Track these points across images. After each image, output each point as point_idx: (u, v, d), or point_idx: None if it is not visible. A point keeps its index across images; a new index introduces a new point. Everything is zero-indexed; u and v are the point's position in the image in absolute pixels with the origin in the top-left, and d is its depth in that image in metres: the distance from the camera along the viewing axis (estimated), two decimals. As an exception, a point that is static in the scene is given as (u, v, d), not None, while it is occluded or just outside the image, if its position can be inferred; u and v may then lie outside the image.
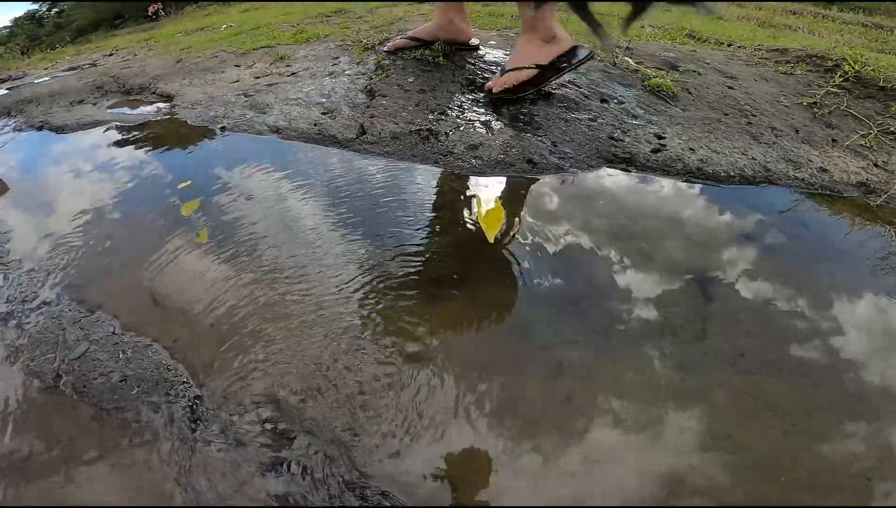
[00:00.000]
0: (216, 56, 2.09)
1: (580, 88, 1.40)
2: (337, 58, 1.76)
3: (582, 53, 1.28)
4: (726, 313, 0.82)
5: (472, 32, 1.60)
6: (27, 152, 1.55)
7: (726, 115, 1.35)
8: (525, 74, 1.28)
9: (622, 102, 1.36)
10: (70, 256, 0.99)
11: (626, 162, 1.15)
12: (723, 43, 2.10)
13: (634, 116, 1.30)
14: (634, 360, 0.74)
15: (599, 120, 1.27)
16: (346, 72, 1.60)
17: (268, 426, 0.67)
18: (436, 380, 0.71)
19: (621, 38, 1.74)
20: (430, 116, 1.29)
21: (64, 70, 2.68)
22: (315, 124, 1.32)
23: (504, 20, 2.14)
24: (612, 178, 1.12)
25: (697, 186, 1.11)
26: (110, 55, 2.95)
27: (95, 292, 0.90)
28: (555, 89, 1.38)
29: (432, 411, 0.68)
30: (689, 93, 1.44)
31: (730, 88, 1.50)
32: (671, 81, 1.45)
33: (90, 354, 0.78)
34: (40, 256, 1.00)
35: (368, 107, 1.36)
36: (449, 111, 1.31)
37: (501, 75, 1.32)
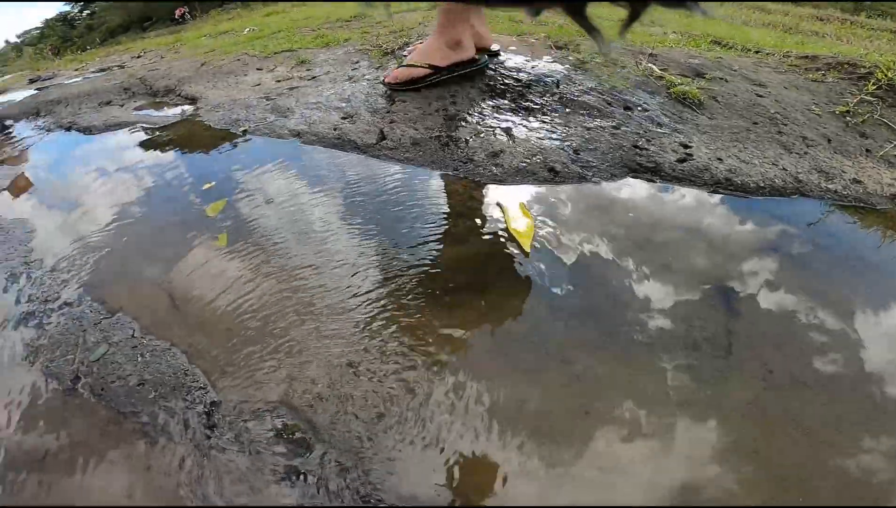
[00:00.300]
0: (239, 59, 2.12)
1: (602, 95, 1.38)
2: (357, 62, 1.76)
3: (477, 63, 1.43)
4: (754, 328, 0.79)
5: (492, 38, 1.59)
6: (54, 152, 1.58)
7: (755, 123, 1.31)
8: (418, 72, 1.39)
9: (646, 110, 1.33)
10: (93, 256, 1.00)
11: (651, 172, 1.13)
12: (749, 50, 2.06)
13: (659, 125, 1.27)
14: (656, 375, 0.72)
15: (623, 128, 1.25)
16: (366, 76, 1.60)
17: (283, 434, 0.66)
18: (453, 390, 0.69)
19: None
20: (450, 123, 1.28)
21: (93, 71, 2.74)
22: (335, 129, 1.32)
23: (525, 26, 2.12)
24: (636, 188, 1.09)
25: (725, 198, 1.07)
26: (138, 57, 3.01)
27: (117, 294, 0.91)
28: (577, 96, 1.36)
29: (449, 421, 0.66)
30: (717, 101, 1.40)
31: (759, 95, 1.46)
32: (697, 88, 1.42)
33: (109, 356, 0.78)
34: (63, 255, 1.01)
35: (388, 112, 1.36)
36: (469, 117, 1.30)
37: (398, 68, 1.43)
